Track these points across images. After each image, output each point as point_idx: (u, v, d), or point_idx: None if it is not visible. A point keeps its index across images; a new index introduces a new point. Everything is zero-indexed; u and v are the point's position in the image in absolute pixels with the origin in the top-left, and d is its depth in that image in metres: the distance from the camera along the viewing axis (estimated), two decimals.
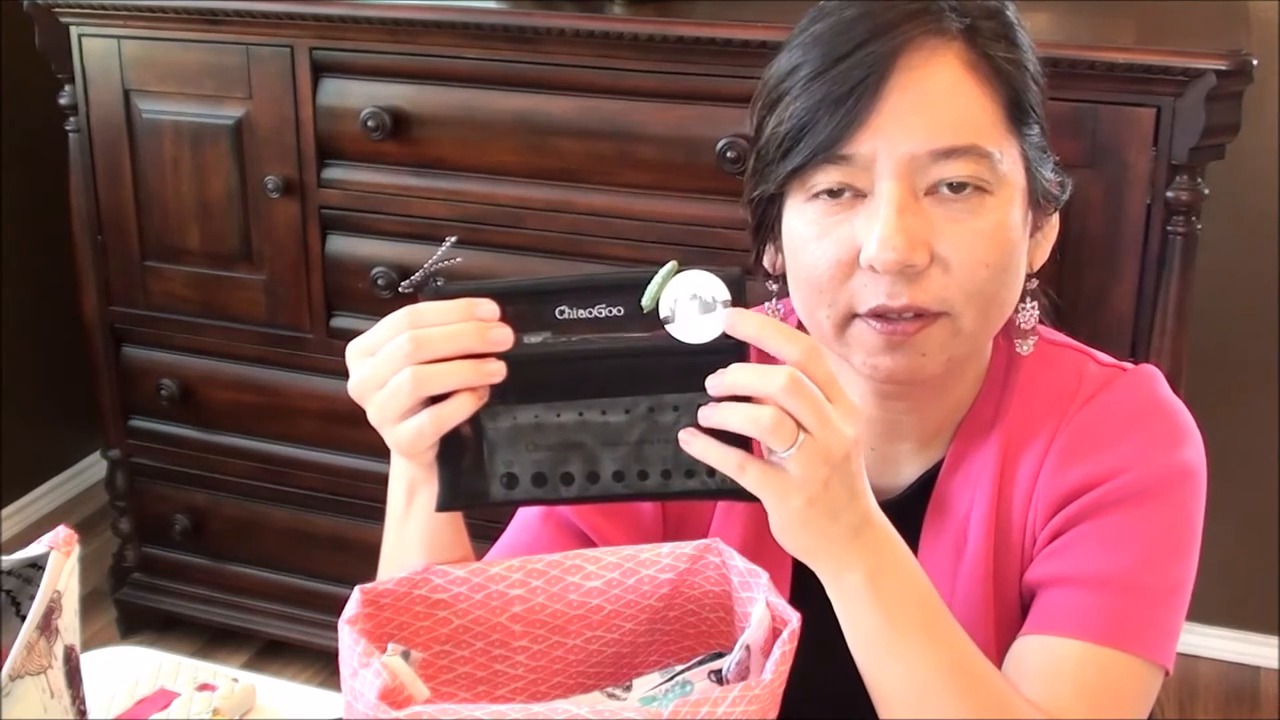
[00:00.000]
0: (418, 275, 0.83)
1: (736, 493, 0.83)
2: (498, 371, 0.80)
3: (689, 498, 0.84)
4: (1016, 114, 0.98)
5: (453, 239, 0.86)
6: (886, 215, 0.94)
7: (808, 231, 0.98)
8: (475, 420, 0.82)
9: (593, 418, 0.82)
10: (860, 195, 0.97)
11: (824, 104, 0.96)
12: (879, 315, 0.96)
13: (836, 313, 0.98)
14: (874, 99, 0.95)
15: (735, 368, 0.80)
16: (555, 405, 0.82)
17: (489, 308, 0.81)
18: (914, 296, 0.95)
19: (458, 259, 0.84)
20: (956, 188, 0.96)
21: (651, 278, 0.80)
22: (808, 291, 1.00)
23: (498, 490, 0.83)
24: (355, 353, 0.84)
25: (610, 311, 0.81)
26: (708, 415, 0.81)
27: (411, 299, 0.83)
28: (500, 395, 0.82)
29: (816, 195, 0.98)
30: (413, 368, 0.80)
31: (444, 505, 0.84)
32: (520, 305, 0.81)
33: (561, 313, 0.81)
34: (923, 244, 0.95)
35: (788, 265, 1.02)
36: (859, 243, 0.96)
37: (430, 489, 0.85)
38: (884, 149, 0.95)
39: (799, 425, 0.80)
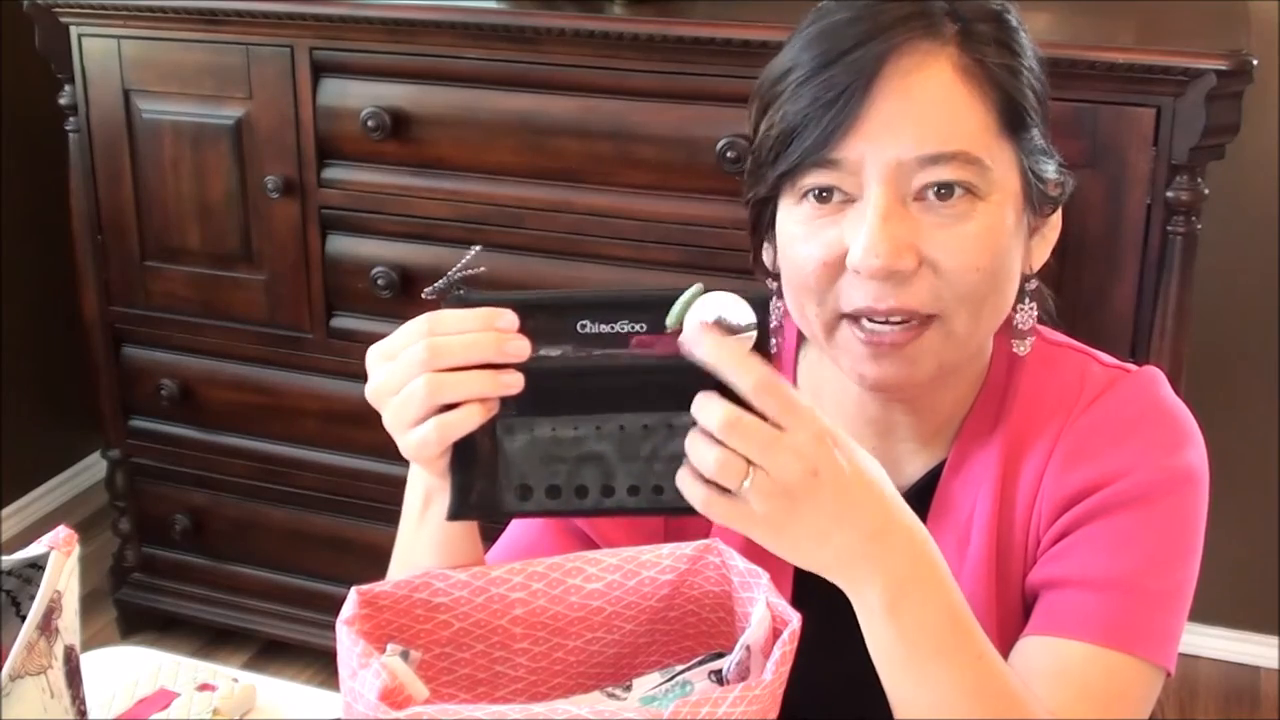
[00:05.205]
0: (441, 282, 0.82)
1: None
2: (514, 384, 0.79)
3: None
4: (1011, 119, 0.98)
5: (478, 247, 0.85)
6: (872, 221, 0.94)
7: (797, 232, 0.99)
8: (490, 431, 0.81)
9: (610, 431, 0.81)
10: (849, 199, 0.97)
11: (814, 108, 0.95)
12: (866, 317, 0.96)
13: (825, 313, 0.99)
14: (862, 104, 0.94)
15: (696, 399, 0.78)
16: (573, 419, 0.81)
17: (509, 319, 0.80)
18: (902, 299, 0.95)
19: (482, 268, 0.83)
20: (944, 193, 0.95)
21: (677, 296, 0.79)
22: (796, 291, 1.00)
23: (511, 501, 0.82)
24: (375, 357, 0.83)
25: (633, 328, 0.80)
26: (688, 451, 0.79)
27: (434, 305, 0.82)
28: (518, 407, 0.81)
29: (805, 196, 0.98)
30: (428, 375, 0.79)
31: (455, 515, 0.83)
32: (542, 318, 0.80)
33: (584, 327, 0.80)
34: (909, 249, 0.94)
35: (780, 264, 1.02)
36: (846, 245, 0.96)
37: (446, 497, 0.84)
38: (871, 154, 0.95)
39: (749, 461, 0.78)
